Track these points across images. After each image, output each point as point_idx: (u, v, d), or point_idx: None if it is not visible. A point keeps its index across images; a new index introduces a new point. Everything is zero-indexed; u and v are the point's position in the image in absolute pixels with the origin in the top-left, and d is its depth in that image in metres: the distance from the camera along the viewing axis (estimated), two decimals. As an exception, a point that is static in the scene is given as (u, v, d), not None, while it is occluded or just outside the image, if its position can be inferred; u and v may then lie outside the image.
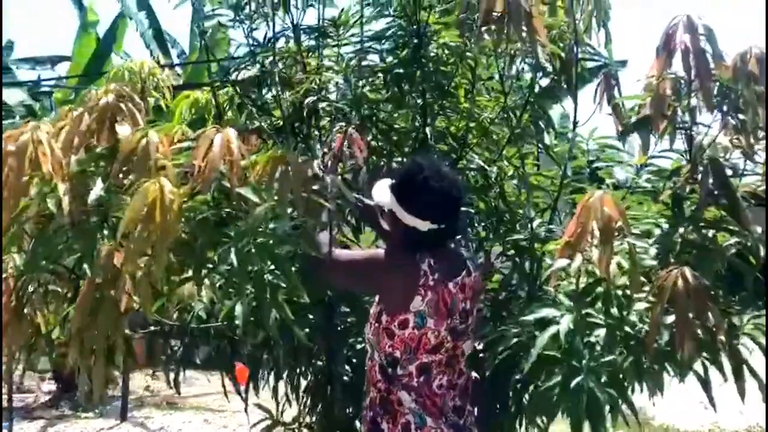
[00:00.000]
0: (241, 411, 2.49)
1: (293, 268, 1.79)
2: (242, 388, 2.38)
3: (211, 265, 1.76)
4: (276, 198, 1.60)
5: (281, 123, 2.76)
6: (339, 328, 2.38)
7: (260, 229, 1.68)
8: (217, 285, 1.92)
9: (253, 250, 1.67)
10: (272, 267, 1.68)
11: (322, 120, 2.70)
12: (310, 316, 2.24)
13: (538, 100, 2.87)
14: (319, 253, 1.83)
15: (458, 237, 2.76)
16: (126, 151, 1.60)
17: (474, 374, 2.09)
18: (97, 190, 1.58)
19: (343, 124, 2.21)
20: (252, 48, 2.76)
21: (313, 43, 2.82)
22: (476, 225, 2.80)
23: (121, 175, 1.62)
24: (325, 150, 2.08)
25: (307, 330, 2.26)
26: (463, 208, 2.03)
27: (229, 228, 1.73)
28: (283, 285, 1.77)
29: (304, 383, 2.50)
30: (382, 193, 1.97)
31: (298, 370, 2.40)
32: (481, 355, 2.31)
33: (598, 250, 1.63)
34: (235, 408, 2.41)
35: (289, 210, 1.70)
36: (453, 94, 2.81)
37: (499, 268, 2.81)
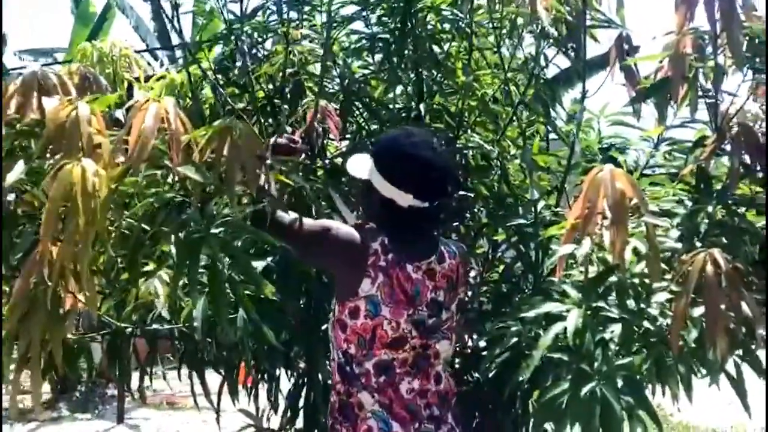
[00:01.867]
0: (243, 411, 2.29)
1: (254, 262, 1.56)
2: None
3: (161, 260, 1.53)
4: (224, 177, 1.35)
5: (263, 102, 2.53)
6: (321, 328, 2.13)
7: (215, 216, 1.43)
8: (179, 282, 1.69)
9: (208, 240, 1.42)
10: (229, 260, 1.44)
11: (307, 98, 2.46)
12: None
13: (546, 79, 2.64)
14: (276, 220, 1.58)
15: (453, 223, 2.54)
16: (53, 127, 1.36)
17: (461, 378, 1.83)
18: (17, 172, 1.34)
19: (312, 98, 1.95)
20: (228, 22, 2.51)
21: (295, 15, 2.57)
22: (476, 209, 2.56)
23: (48, 155, 1.38)
24: (290, 128, 1.85)
25: (284, 330, 2.05)
26: (455, 191, 1.74)
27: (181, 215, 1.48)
28: (244, 280, 1.54)
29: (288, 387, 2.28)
30: (358, 162, 1.70)
31: (276, 374, 2.16)
32: (484, 353, 2.08)
33: (609, 232, 1.37)
34: (237, 408, 2.18)
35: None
36: (449, 67, 2.55)
37: (502, 256, 2.59)
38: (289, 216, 1.64)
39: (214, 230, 1.43)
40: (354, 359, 1.60)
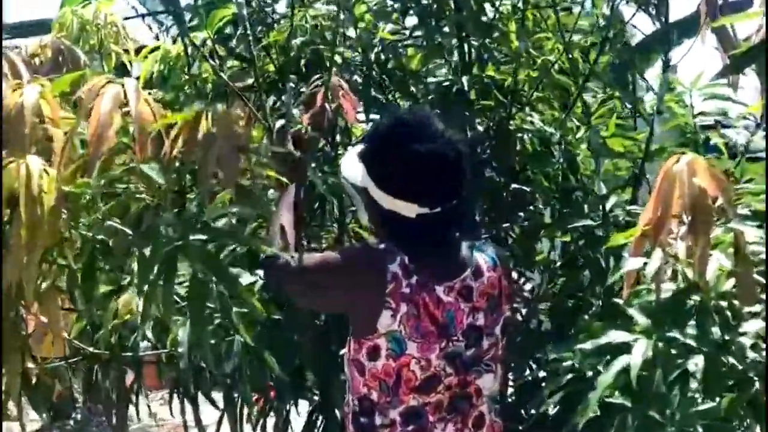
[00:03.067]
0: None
1: (245, 276, 1.54)
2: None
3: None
4: (196, 174, 1.32)
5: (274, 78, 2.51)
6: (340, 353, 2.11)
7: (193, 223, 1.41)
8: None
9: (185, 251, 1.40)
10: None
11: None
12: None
13: (624, 43, 2.56)
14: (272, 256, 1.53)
15: (504, 223, 2.47)
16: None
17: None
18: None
19: (321, 75, 1.91)
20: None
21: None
22: (535, 206, 2.50)
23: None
24: (296, 112, 1.80)
25: (292, 356, 2.03)
26: (475, 182, 1.64)
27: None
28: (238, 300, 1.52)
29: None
30: (354, 161, 1.63)
31: (286, 408, 2.15)
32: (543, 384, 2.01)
33: (685, 242, 1.29)
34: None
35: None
36: (500, 30, 2.48)
37: (567, 264, 2.51)
38: (281, 259, 1.58)
39: (193, 237, 1.41)
40: (376, 407, 1.54)
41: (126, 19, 2.88)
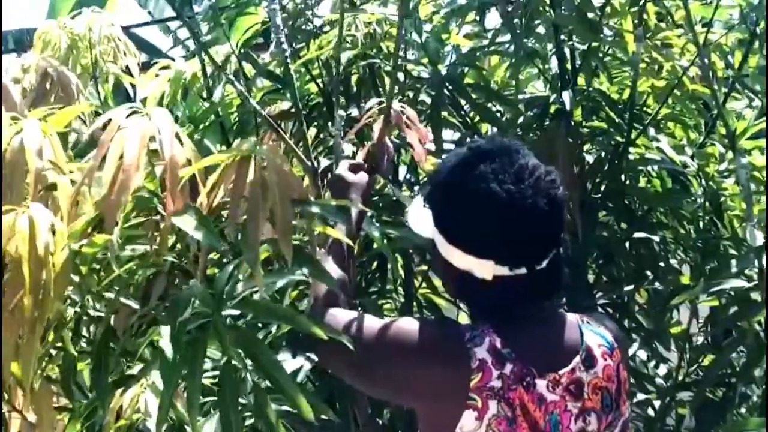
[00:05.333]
0: None
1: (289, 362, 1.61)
2: None
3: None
4: (242, 233, 1.39)
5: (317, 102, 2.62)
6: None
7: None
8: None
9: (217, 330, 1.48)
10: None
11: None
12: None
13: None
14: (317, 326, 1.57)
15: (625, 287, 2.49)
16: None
17: None
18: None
19: (378, 100, 1.98)
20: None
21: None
22: (665, 261, 2.55)
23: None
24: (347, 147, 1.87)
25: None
26: (563, 234, 1.65)
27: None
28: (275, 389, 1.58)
29: None
30: (419, 208, 1.68)
31: None
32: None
33: None
34: None
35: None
36: (611, 27, 2.55)
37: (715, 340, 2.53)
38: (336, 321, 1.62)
39: (226, 313, 1.47)
40: None
41: (127, 28, 3.03)
